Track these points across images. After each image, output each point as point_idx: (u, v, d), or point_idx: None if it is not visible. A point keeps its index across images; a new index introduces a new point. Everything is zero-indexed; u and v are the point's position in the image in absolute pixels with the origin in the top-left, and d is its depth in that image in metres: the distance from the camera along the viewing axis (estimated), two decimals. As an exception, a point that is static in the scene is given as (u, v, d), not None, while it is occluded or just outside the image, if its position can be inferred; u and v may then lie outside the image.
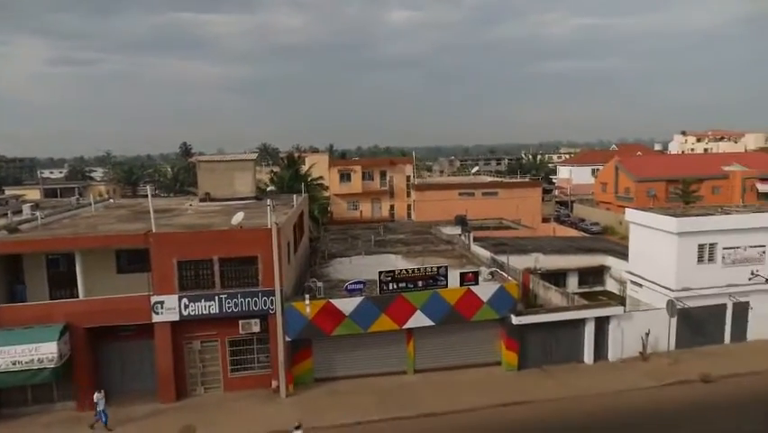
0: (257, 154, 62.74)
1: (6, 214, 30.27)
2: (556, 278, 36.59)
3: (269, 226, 23.22)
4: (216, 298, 23.16)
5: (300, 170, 58.77)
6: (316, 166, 62.37)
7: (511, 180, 73.46)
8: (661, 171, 71.76)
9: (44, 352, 21.28)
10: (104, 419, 21.35)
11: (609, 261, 37.60)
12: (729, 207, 34.51)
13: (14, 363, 21.20)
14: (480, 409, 22.21)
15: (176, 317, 23.03)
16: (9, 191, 72.55)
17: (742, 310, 28.63)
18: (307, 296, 23.91)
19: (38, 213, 28.15)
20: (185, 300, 22.97)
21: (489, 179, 79.15)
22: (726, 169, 70.81)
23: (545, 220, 64.36)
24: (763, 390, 23.70)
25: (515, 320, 25.20)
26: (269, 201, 24.59)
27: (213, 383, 24.32)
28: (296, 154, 68.85)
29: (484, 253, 36.44)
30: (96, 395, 21.46)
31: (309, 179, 56.00)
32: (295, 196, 33.84)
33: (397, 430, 20.98)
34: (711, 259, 27.92)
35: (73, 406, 22.98)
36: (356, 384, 24.63)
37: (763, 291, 28.53)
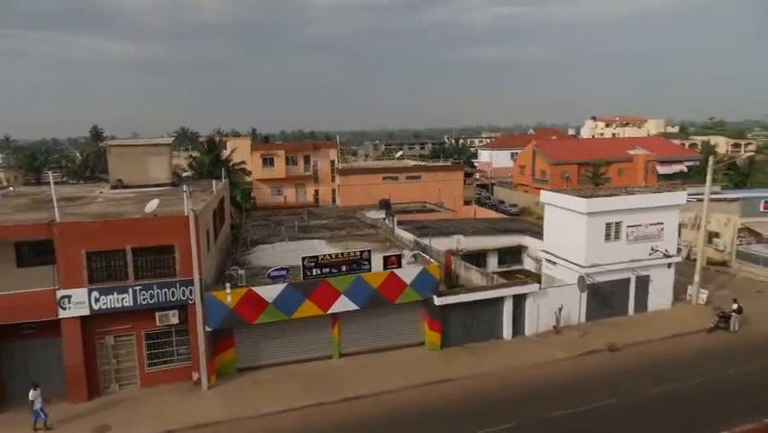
0: (174, 138, 59.99)
1: None
2: (477, 258, 37.80)
3: (186, 214, 22.35)
4: (130, 290, 22.05)
5: (221, 154, 56.85)
6: (238, 150, 60.52)
7: (434, 164, 74.73)
8: (573, 155, 75.53)
9: (-66, 355, 19.47)
10: (43, 417, 20.06)
11: (527, 240, 39.25)
12: (633, 187, 36.92)
13: None
14: (404, 390, 22.66)
15: (86, 312, 21.72)
16: None
17: (643, 284, 30.86)
18: (228, 284, 23.33)
19: None
20: (95, 294, 21.71)
21: (413, 163, 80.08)
22: (631, 152, 75.63)
23: (467, 202, 66.12)
24: (662, 355, 25.72)
25: (437, 301, 25.81)
26: (185, 187, 23.63)
27: (129, 379, 23.25)
28: (216, 138, 66.53)
29: (408, 237, 36.95)
30: (31, 393, 20.02)
31: (231, 164, 54.35)
32: (214, 181, 32.75)
33: (322, 416, 21.01)
34: (617, 237, 29.79)
35: (-30, 412, 21.27)
36: (281, 372, 24.40)
37: (661, 265, 30.87)
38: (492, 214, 58.08)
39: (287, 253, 29.48)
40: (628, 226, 29.89)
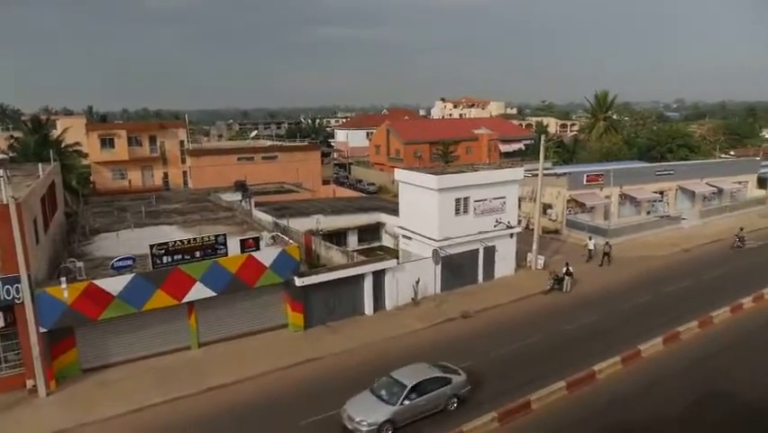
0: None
1: None
2: (338, 237, 38.28)
3: (4, 202, 19.58)
4: (-63, 293, 18.93)
5: (50, 135, 50.72)
6: (71, 130, 54.39)
7: (291, 144, 73.74)
8: (425, 134, 79.07)
9: None
10: None
11: (384, 218, 40.46)
12: (478, 165, 39.62)
13: None
14: (267, 374, 22.28)
15: None
16: None
17: (490, 253, 33.38)
18: (64, 279, 20.98)
19: None
20: None
21: (269, 143, 78.28)
22: (476, 132, 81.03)
23: (326, 182, 66.35)
24: (508, 318, 28.19)
25: (298, 282, 25.61)
26: (3, 171, 20.62)
27: (-58, 396, 20.08)
28: (44, 117, 59.11)
29: (266, 218, 36.20)
30: None
31: (62, 145, 48.71)
32: (41, 165, 29.09)
33: (180, 410, 19.91)
34: (466, 211, 31.78)
35: None
36: (133, 368, 22.70)
37: (505, 236, 33.63)
38: (351, 193, 59.01)
39: (133, 242, 27.24)
40: (475, 201, 32.00)
